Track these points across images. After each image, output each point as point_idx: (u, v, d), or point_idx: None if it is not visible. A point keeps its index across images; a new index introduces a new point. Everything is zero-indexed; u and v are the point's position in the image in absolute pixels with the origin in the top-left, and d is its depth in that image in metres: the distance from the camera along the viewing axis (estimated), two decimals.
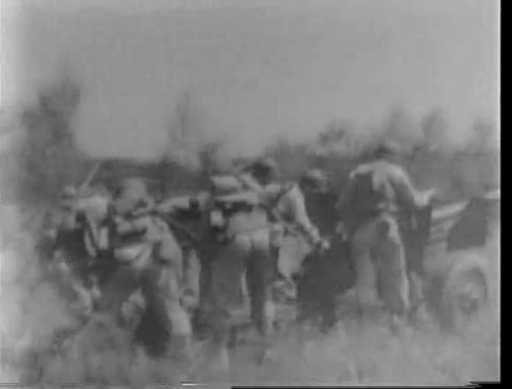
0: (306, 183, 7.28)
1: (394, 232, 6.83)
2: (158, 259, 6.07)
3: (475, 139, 25.17)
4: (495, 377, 5.92)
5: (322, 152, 25.95)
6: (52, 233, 7.28)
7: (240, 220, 6.12)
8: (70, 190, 7.71)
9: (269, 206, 6.41)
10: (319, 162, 25.52)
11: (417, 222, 7.06)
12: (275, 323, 6.41)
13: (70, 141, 23.12)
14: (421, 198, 7.08)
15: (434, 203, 7.23)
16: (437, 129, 25.62)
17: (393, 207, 6.88)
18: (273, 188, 6.71)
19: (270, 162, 7.03)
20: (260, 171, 6.83)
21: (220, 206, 6.13)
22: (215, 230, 6.08)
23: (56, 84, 22.99)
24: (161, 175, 24.42)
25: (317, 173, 7.45)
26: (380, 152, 7.14)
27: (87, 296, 7.02)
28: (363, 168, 7.08)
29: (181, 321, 6.09)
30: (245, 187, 6.28)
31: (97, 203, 6.95)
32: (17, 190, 8.09)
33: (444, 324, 6.70)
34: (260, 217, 6.24)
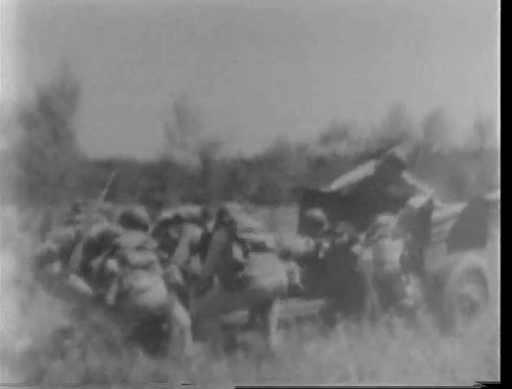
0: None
1: (395, 258, 6.81)
2: (171, 286, 6.19)
3: (475, 139, 25.16)
4: (495, 377, 5.91)
5: (323, 153, 25.93)
6: (54, 247, 7.23)
7: (257, 259, 6.17)
8: (80, 204, 7.59)
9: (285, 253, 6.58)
10: (320, 163, 25.50)
11: (418, 224, 7.04)
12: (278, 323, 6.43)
13: (70, 141, 23.11)
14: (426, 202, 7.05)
15: (434, 204, 7.21)
16: (437, 129, 25.62)
17: (397, 231, 6.88)
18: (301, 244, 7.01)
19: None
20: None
21: (242, 243, 6.18)
22: (236, 265, 6.12)
23: (55, 84, 22.99)
24: (161, 175, 24.42)
25: (317, 213, 7.49)
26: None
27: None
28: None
29: (180, 314, 6.13)
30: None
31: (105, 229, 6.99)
32: (16, 190, 8.07)
33: (444, 325, 6.68)
34: (274, 257, 6.32)
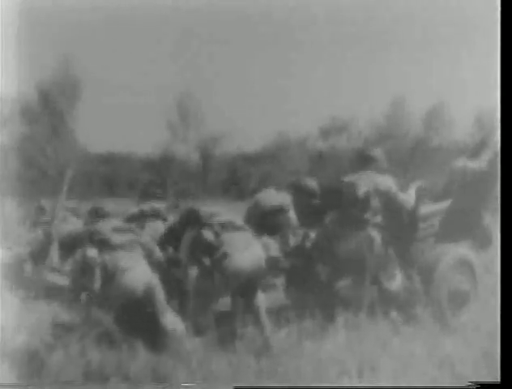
0: (301, 193, 7.35)
1: (378, 244, 6.79)
2: (153, 263, 6.21)
3: (475, 135, 25.17)
4: (494, 375, 5.93)
5: (322, 147, 25.95)
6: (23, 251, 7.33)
7: (231, 238, 6.20)
8: (46, 203, 7.71)
9: (254, 224, 6.65)
10: (319, 157, 25.52)
11: (405, 218, 7.00)
12: (269, 312, 6.42)
13: (70, 136, 23.13)
14: (408, 198, 7.01)
15: (424, 197, 7.19)
16: (438, 124, 25.63)
17: (377, 218, 6.84)
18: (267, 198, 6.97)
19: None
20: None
21: (210, 226, 6.22)
22: (210, 247, 6.15)
23: (56, 79, 22.99)
24: (161, 170, 24.46)
25: (309, 181, 7.46)
26: (365, 162, 7.10)
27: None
28: (349, 178, 7.04)
29: (173, 321, 6.14)
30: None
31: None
32: (16, 185, 8.08)
33: (436, 317, 6.67)
34: (247, 234, 6.35)
